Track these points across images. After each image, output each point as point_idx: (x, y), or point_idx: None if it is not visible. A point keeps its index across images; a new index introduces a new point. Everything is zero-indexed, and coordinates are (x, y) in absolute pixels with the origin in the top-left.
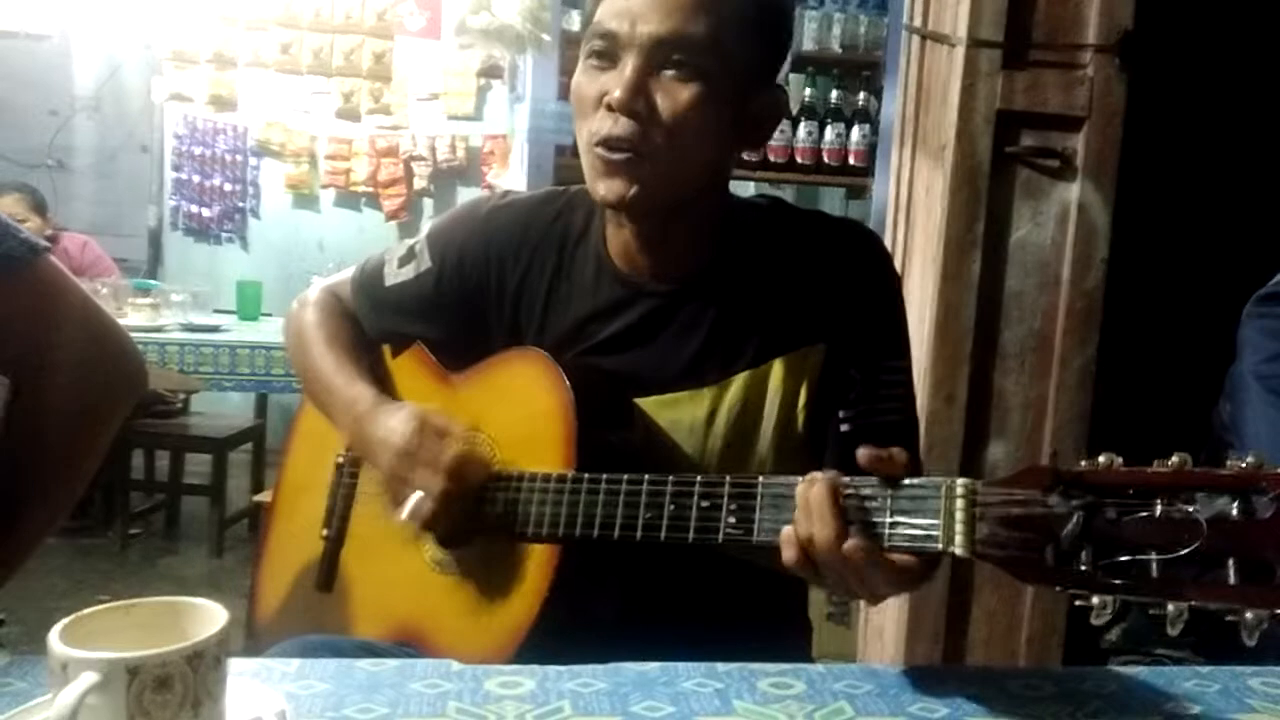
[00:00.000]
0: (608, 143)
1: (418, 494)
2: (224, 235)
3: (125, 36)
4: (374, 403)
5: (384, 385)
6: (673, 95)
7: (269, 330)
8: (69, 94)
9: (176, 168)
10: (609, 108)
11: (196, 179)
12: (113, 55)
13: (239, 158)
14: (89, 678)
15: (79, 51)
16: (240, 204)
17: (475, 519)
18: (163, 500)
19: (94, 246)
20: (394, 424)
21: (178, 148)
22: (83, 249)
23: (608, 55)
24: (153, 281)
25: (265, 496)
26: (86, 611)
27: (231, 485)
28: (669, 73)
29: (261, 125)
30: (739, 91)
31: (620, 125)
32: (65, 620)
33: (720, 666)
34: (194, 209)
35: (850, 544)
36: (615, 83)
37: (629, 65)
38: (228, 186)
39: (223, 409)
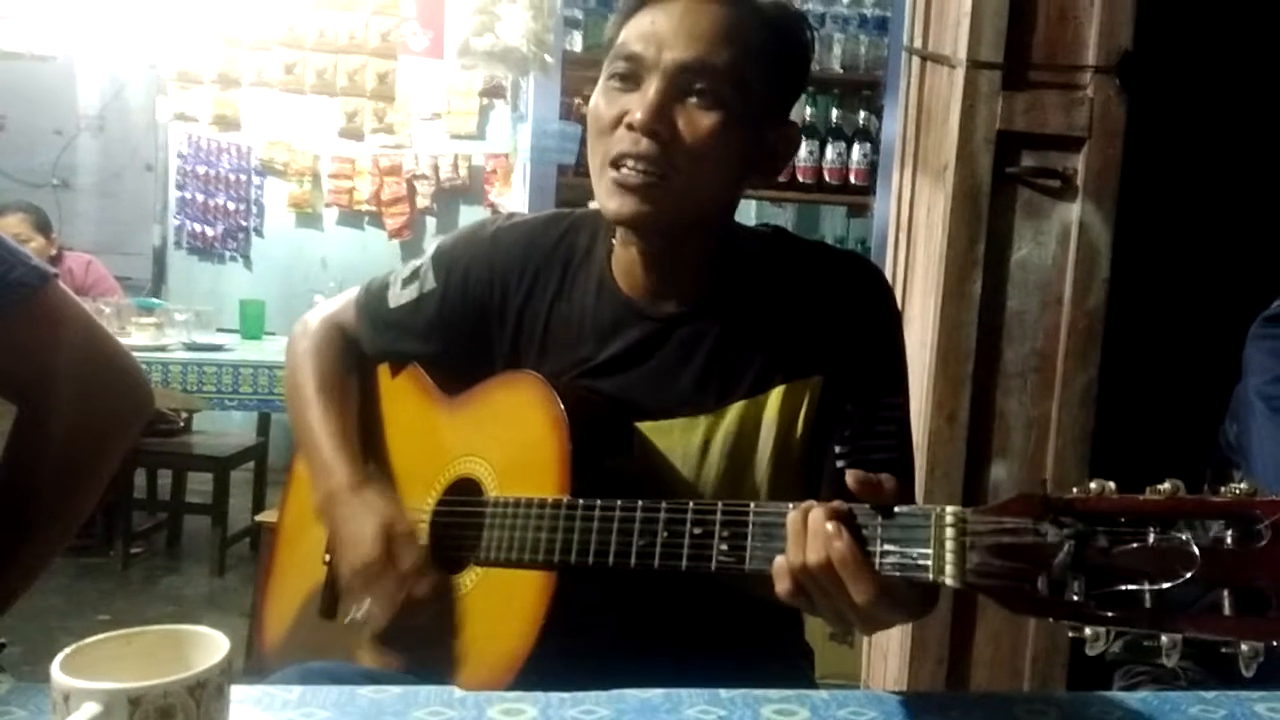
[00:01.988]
0: (627, 161)
1: (368, 602)
2: (227, 254)
3: (129, 56)
4: (349, 483)
5: (378, 411)
6: (693, 121)
7: (272, 349)
8: (73, 114)
9: (180, 187)
10: (629, 127)
11: (200, 198)
12: (116, 75)
13: (243, 177)
14: (91, 708)
15: (83, 72)
16: (244, 223)
17: (471, 545)
18: (164, 519)
19: (98, 266)
20: (361, 530)
21: (182, 167)
22: (86, 268)
23: (630, 77)
24: (156, 300)
25: (267, 516)
26: (88, 641)
27: (233, 504)
28: (691, 100)
29: (265, 144)
30: (756, 123)
31: (641, 145)
32: (67, 650)
33: (723, 693)
34: (198, 228)
35: (839, 559)
36: (637, 104)
37: (652, 87)
38: (231, 205)
39: (225, 428)
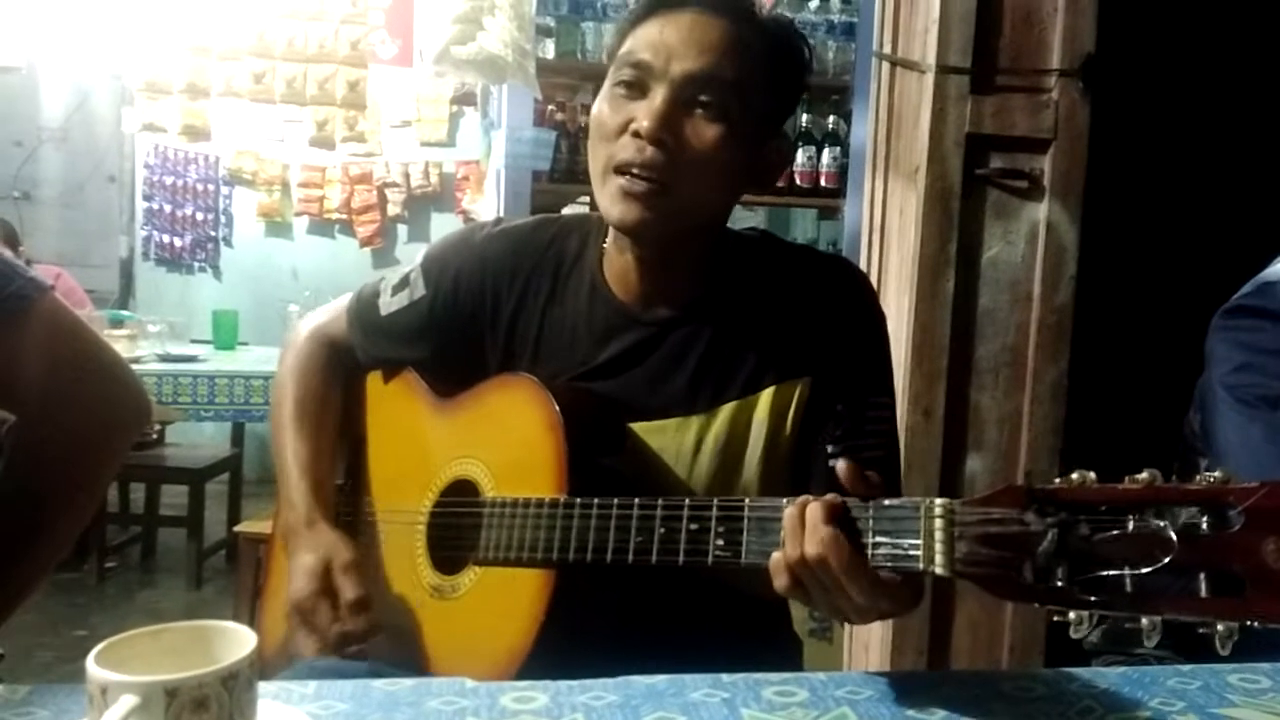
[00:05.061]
0: (631, 169)
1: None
2: (196, 265)
3: (93, 66)
4: (305, 518)
5: (372, 416)
6: (699, 132)
7: (246, 359)
8: (35, 125)
9: (147, 197)
10: (636, 135)
11: (168, 208)
12: (80, 84)
13: (211, 187)
14: (129, 700)
15: (46, 82)
16: (212, 233)
17: (469, 545)
18: (139, 533)
19: (67, 278)
20: (304, 564)
21: (149, 177)
22: (55, 281)
23: (637, 85)
24: (127, 313)
25: (244, 527)
26: (117, 638)
27: (208, 516)
28: (697, 111)
29: (233, 154)
30: (756, 136)
31: (646, 153)
32: (99, 646)
33: (725, 677)
34: (165, 238)
35: (836, 555)
36: (644, 113)
37: (659, 97)
38: (199, 216)
39: (198, 439)
